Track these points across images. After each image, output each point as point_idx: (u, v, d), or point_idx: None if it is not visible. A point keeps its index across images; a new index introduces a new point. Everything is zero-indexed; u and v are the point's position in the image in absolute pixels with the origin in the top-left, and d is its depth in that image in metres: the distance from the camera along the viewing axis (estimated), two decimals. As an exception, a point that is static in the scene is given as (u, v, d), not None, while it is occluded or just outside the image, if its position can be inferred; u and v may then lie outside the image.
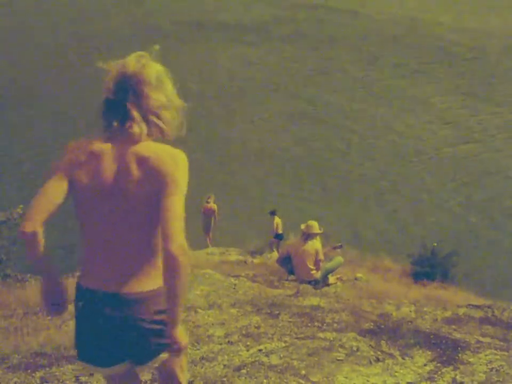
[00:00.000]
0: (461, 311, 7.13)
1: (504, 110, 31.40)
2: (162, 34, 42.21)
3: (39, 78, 34.71)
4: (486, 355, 5.15)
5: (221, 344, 5.48)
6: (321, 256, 9.62)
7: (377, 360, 5.01)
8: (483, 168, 25.99)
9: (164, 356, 2.42)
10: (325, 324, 6.11)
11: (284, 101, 32.11)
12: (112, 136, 2.33)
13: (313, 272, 9.60)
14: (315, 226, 9.72)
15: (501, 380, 4.67)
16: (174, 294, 2.19)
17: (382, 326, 6.04)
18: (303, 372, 4.68)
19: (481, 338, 5.71)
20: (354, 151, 27.37)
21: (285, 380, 4.54)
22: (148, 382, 4.64)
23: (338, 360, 4.95)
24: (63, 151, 2.38)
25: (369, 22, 43.52)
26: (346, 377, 4.65)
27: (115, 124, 2.30)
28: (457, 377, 4.74)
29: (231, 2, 46.92)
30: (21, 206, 10.32)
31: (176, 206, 2.20)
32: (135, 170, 2.27)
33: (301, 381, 4.55)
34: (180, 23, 44.19)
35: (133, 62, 2.33)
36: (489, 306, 7.37)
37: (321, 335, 5.65)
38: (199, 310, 6.67)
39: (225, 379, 4.61)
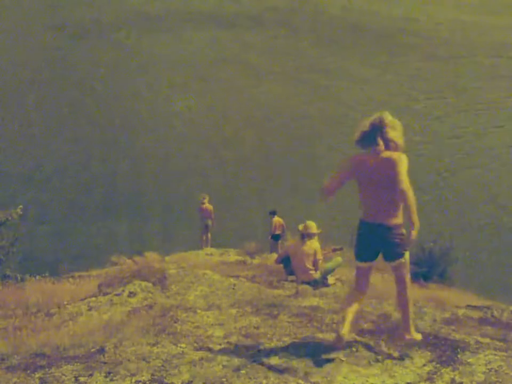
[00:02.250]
0: (460, 312, 7.13)
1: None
2: (157, 22, 42.56)
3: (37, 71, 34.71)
4: (485, 355, 5.15)
5: (220, 344, 5.49)
6: (319, 256, 9.60)
7: (377, 360, 5.02)
8: (481, 165, 26.01)
9: (401, 260, 4.86)
10: (324, 325, 6.11)
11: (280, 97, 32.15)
12: (368, 151, 4.78)
13: (312, 272, 9.59)
14: (313, 226, 9.68)
15: (500, 380, 4.67)
16: (412, 211, 4.54)
17: (381, 326, 6.04)
18: (302, 372, 4.68)
19: (480, 339, 5.72)
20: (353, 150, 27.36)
21: (284, 381, 4.54)
22: (148, 382, 4.65)
23: (338, 360, 4.95)
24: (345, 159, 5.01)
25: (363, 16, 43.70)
26: (345, 378, 4.65)
27: (371, 145, 4.74)
28: (457, 377, 4.74)
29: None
30: (21, 206, 10.30)
31: (404, 178, 4.55)
32: (383, 166, 4.67)
33: (300, 381, 4.55)
34: (173, 11, 44.46)
35: (380, 115, 4.75)
36: (488, 307, 7.37)
37: (320, 335, 5.66)
38: (199, 311, 6.67)
39: (224, 379, 4.61)
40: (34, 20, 43.18)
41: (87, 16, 43.71)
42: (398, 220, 4.83)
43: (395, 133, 4.75)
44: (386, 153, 4.68)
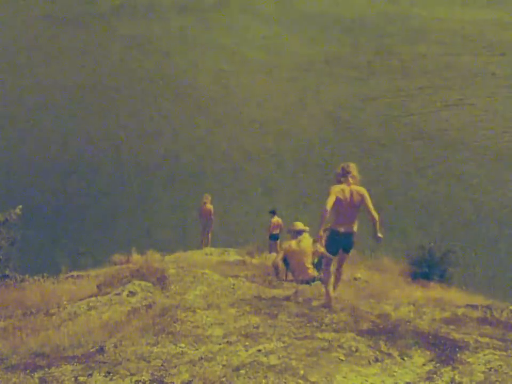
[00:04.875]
0: (460, 311, 7.14)
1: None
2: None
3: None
4: (484, 355, 5.16)
5: (219, 344, 5.48)
6: (321, 248, 9.88)
7: (376, 360, 5.02)
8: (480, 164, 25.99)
9: (351, 252, 7.59)
10: (323, 324, 6.11)
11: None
12: (344, 183, 7.22)
13: (311, 271, 9.63)
14: (299, 224, 10.04)
15: (499, 379, 4.68)
16: (376, 220, 7.09)
17: (381, 326, 6.05)
18: (302, 372, 4.69)
19: (479, 339, 5.72)
20: (352, 152, 27.33)
21: (284, 380, 4.55)
22: (148, 382, 4.65)
23: (337, 360, 4.96)
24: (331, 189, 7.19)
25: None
26: (345, 377, 4.66)
27: (343, 179, 7.25)
28: (456, 377, 4.75)
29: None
30: (20, 206, 10.28)
31: (370, 203, 7.17)
32: (355, 194, 7.15)
33: (299, 381, 4.55)
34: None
35: (350, 165, 7.44)
36: (487, 307, 7.38)
37: (320, 335, 5.66)
38: (198, 310, 6.67)
39: (224, 379, 4.61)
40: (29, 8, 43.60)
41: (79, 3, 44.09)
42: (356, 228, 7.35)
43: (356, 173, 7.36)
44: (354, 186, 7.26)
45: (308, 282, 9.43)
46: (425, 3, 46.44)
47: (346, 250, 7.44)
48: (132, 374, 4.76)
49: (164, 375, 4.75)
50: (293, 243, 9.84)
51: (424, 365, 5.00)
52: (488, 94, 32.43)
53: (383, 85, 33.85)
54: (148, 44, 39.09)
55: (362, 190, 7.19)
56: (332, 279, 7.43)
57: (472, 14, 43.73)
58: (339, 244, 7.32)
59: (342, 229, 7.22)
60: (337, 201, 7.05)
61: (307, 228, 10.00)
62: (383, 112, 31.06)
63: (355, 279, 11.89)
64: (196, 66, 36.22)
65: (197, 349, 5.35)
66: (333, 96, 32.61)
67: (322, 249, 10.05)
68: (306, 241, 9.72)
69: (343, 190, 7.13)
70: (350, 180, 7.23)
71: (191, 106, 31.53)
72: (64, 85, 33.30)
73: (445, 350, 5.29)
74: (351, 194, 7.15)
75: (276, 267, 10.13)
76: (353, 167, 7.36)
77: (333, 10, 44.77)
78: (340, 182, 7.24)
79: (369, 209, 7.09)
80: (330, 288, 7.23)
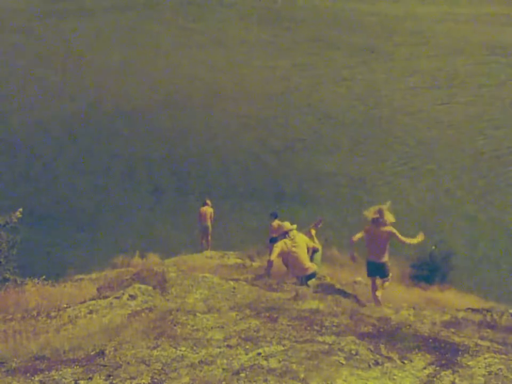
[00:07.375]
0: (460, 315, 7.14)
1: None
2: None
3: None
4: (485, 358, 5.16)
5: (220, 347, 5.48)
6: (310, 243, 10.17)
7: (376, 363, 5.02)
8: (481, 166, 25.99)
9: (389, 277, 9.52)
10: (324, 328, 6.11)
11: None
12: (375, 224, 9.07)
13: (308, 264, 9.70)
14: (286, 224, 10.22)
15: (499, 383, 4.67)
16: (410, 245, 9.47)
17: (381, 330, 6.04)
18: (302, 376, 4.68)
19: (480, 342, 5.72)
20: (351, 153, 27.37)
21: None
22: (147, 385, 4.65)
23: (338, 363, 4.96)
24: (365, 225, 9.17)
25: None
26: (345, 381, 4.65)
27: (375, 221, 9.04)
28: (456, 380, 4.74)
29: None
30: (20, 209, 10.29)
31: (399, 235, 8.99)
32: (383, 232, 8.97)
33: (300, 384, 4.55)
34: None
35: (383, 211, 9.02)
36: (488, 310, 7.39)
37: (320, 338, 5.65)
38: (198, 314, 6.67)
39: (224, 382, 4.61)
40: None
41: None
42: (385, 259, 9.10)
43: (387, 217, 8.95)
44: (385, 226, 8.91)
45: (308, 278, 9.47)
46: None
47: (378, 275, 9.21)
48: (132, 378, 4.76)
49: (164, 379, 4.75)
50: (288, 241, 9.91)
51: (424, 368, 5.00)
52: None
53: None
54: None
55: (391, 229, 8.92)
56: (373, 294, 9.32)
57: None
58: (371, 269, 9.18)
59: (370, 258, 9.12)
60: (366, 236, 9.05)
61: (295, 226, 10.20)
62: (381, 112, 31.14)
63: (355, 282, 11.88)
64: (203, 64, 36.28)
65: (197, 352, 5.35)
66: (328, 96, 32.74)
67: (314, 244, 10.47)
68: (298, 236, 9.97)
69: (369, 230, 9.03)
70: (381, 221, 8.89)
71: (190, 112, 31.58)
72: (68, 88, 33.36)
73: (445, 353, 5.29)
74: (379, 233, 8.92)
75: (269, 264, 10.20)
76: (386, 212, 8.99)
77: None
78: (373, 223, 8.95)
79: (401, 241, 8.89)
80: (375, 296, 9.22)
